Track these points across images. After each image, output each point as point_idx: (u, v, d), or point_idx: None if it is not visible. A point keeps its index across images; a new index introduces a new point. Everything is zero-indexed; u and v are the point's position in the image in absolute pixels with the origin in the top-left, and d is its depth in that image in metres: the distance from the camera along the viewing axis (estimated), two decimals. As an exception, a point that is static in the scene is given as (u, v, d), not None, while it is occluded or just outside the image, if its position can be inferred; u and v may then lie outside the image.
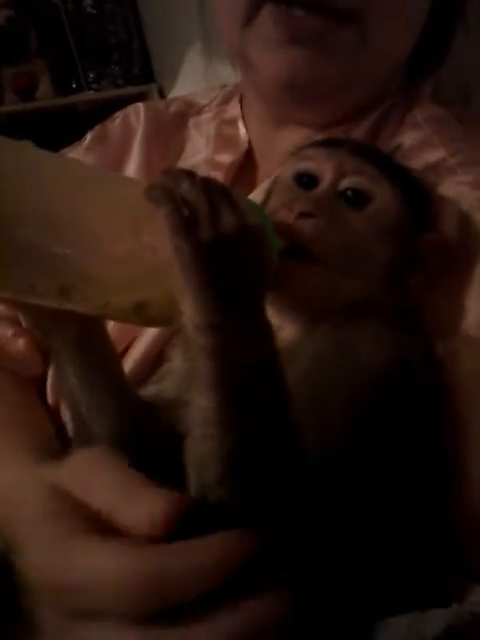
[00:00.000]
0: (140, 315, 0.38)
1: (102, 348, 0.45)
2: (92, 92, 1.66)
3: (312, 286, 0.44)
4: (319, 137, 0.56)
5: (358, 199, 0.46)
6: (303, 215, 0.43)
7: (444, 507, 0.42)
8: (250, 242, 0.35)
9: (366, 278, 0.45)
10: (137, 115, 0.72)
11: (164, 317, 0.38)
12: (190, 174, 0.36)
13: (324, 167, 0.48)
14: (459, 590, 0.40)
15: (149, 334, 0.56)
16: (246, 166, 0.65)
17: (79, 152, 0.71)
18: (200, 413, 0.35)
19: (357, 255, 0.45)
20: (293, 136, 0.60)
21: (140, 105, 0.73)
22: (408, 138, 0.57)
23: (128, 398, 0.46)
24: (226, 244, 0.34)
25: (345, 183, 0.46)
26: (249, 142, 0.67)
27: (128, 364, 0.56)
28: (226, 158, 0.65)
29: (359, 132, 0.59)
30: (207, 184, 0.36)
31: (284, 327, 0.45)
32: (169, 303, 0.36)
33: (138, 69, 1.64)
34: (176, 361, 0.50)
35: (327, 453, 0.36)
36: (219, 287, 0.34)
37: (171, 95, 1.13)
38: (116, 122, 0.73)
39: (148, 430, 0.46)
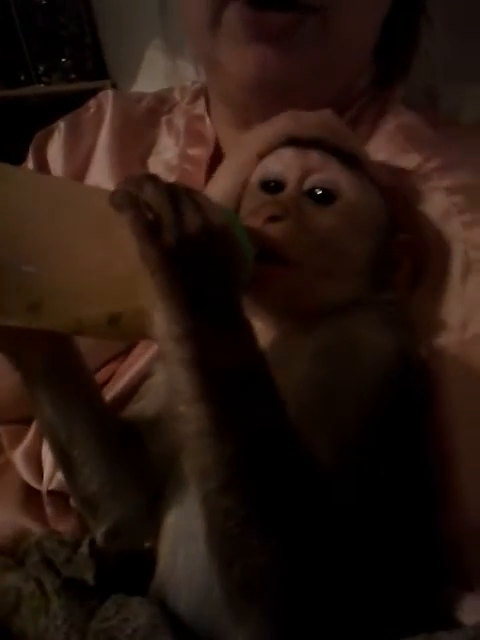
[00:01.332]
0: (115, 328, 0.36)
1: (76, 371, 0.43)
2: (42, 86, 1.61)
3: (288, 289, 0.43)
4: None
5: (325, 196, 0.46)
6: (271, 219, 0.43)
7: (434, 515, 0.42)
8: (217, 242, 0.35)
9: (345, 277, 0.45)
10: (106, 101, 0.71)
11: (140, 329, 0.36)
12: (152, 178, 0.35)
13: (289, 169, 0.47)
14: (454, 599, 0.40)
15: (146, 355, 0.55)
16: (218, 165, 0.64)
17: (56, 148, 0.69)
18: (192, 425, 0.33)
19: (331, 253, 0.44)
20: None
21: (109, 92, 0.73)
22: (383, 149, 0.57)
23: (107, 421, 0.45)
24: (192, 245, 0.33)
25: (311, 181, 0.46)
26: (217, 140, 0.67)
27: (119, 385, 0.54)
28: (198, 152, 0.65)
29: None
30: (170, 187, 0.35)
31: (271, 330, 0.44)
32: (144, 314, 0.34)
33: (91, 64, 1.60)
34: (156, 376, 0.49)
35: (342, 455, 0.36)
36: (191, 291, 0.33)
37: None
38: (90, 111, 0.71)
39: (131, 452, 0.45)
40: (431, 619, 0.40)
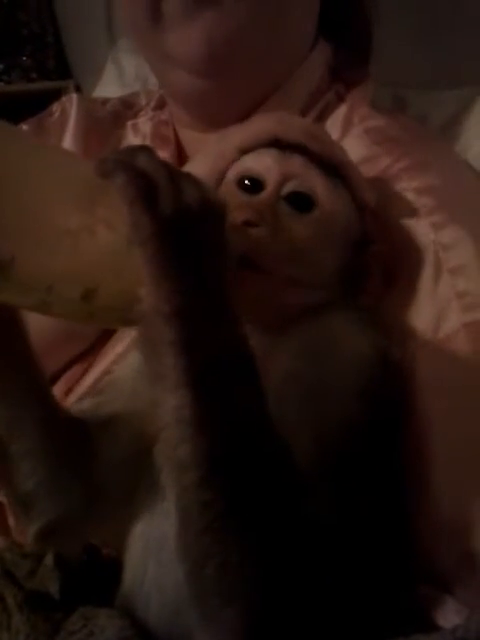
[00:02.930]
0: (88, 304, 0.34)
1: (23, 357, 0.40)
2: (2, 84, 1.57)
3: (256, 295, 0.42)
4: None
5: (303, 203, 0.45)
6: (246, 224, 0.42)
7: (409, 516, 0.42)
8: (215, 218, 0.33)
9: (315, 286, 0.44)
10: (70, 105, 0.71)
11: (115, 307, 0.34)
12: (145, 148, 0.33)
13: (270, 171, 0.46)
14: (431, 602, 0.40)
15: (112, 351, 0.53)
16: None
17: None
18: (171, 414, 0.32)
19: (303, 263, 0.44)
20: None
21: (74, 96, 0.73)
22: (352, 151, 0.57)
23: (53, 415, 0.42)
24: (188, 218, 0.32)
25: (289, 187, 0.45)
26: (179, 143, 0.66)
27: (87, 381, 0.53)
28: (165, 155, 0.65)
29: None
30: (164, 160, 0.34)
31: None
32: (123, 290, 0.32)
33: (53, 63, 1.57)
34: (118, 372, 0.47)
35: (322, 451, 0.35)
36: (185, 267, 0.31)
37: (94, 93, 1.09)
38: (54, 116, 0.71)
39: (74, 450, 0.42)
40: (408, 622, 0.40)
